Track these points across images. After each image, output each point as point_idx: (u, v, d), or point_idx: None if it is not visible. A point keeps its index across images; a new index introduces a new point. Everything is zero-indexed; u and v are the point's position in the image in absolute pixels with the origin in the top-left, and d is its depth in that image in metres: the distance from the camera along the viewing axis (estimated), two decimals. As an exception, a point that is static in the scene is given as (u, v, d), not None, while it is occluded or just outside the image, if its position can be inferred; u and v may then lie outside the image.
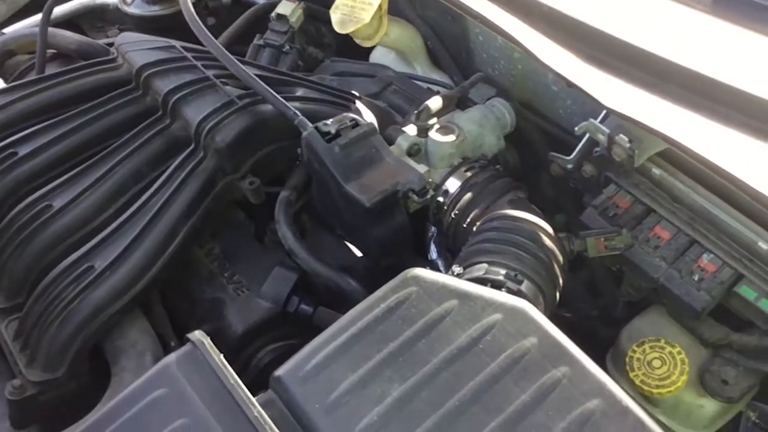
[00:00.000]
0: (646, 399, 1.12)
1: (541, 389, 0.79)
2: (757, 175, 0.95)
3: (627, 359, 1.09)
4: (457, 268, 1.03)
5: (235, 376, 0.83)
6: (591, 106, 1.18)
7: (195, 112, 1.27)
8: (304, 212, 1.38)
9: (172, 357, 0.88)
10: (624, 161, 1.12)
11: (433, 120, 1.26)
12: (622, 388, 0.83)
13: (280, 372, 0.85)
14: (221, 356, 0.86)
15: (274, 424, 0.79)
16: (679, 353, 1.08)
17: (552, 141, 1.37)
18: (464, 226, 1.19)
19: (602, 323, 1.32)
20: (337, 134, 1.17)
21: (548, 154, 1.27)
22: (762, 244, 1.03)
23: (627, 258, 1.14)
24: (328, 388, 0.82)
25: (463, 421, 0.78)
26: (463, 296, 0.88)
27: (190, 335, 0.89)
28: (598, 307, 1.34)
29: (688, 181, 1.11)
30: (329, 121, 1.19)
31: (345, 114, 1.22)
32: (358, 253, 1.32)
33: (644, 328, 1.15)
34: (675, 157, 1.13)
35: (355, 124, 1.19)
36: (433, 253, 1.37)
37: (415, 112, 1.25)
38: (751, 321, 1.08)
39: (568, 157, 1.25)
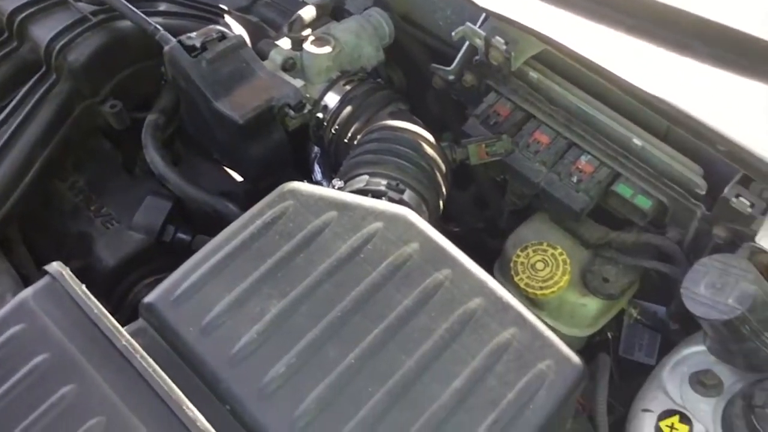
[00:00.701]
0: (532, 303, 1.14)
1: (424, 293, 0.78)
2: (630, 70, 0.95)
3: (512, 264, 1.10)
4: (337, 182, 0.99)
5: (100, 306, 0.77)
6: (470, 14, 1.16)
7: (44, 32, 1.15)
8: (176, 139, 1.30)
9: (28, 291, 0.80)
10: (501, 65, 1.10)
11: (308, 31, 1.20)
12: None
13: (149, 298, 0.79)
14: (83, 286, 0.79)
15: (146, 352, 0.74)
16: (560, 254, 1.09)
17: (433, 55, 1.34)
18: (345, 141, 1.14)
19: (489, 235, 1.33)
20: (203, 48, 1.09)
21: (430, 67, 1.24)
22: (636, 141, 1.04)
23: (509, 165, 1.13)
24: (203, 310, 0.77)
25: (345, 331, 0.76)
26: (343, 207, 0.85)
27: (47, 267, 0.81)
28: (485, 220, 1.35)
29: (564, 83, 1.11)
30: (193, 34, 1.11)
31: (211, 26, 1.14)
32: (238, 178, 1.26)
33: (528, 235, 1.16)
34: (551, 59, 1.12)
35: (222, 37, 1.11)
36: (318, 174, 1.33)
37: (288, 23, 1.18)
38: (629, 219, 1.10)
39: (448, 68, 1.22)
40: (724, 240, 0.95)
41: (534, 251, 1.11)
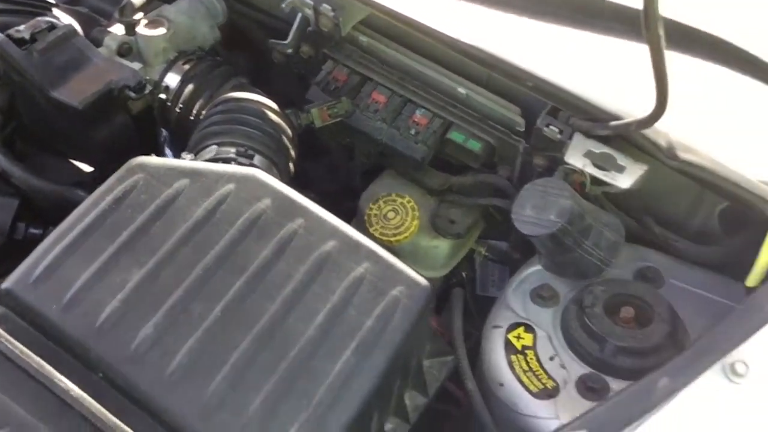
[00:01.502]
0: (389, 251, 1.21)
1: (280, 243, 0.83)
2: (448, 24, 1.04)
3: (366, 217, 1.17)
4: (187, 155, 1.02)
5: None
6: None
7: None
8: (17, 137, 1.27)
9: None
10: (332, 31, 1.17)
11: (140, 15, 1.21)
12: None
13: (6, 284, 0.79)
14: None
15: (11, 336, 0.75)
16: (408, 202, 1.18)
17: (271, 32, 1.38)
18: (191, 119, 1.17)
19: (345, 197, 1.39)
20: (33, 39, 1.08)
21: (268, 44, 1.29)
22: (461, 89, 1.14)
23: (353, 127, 1.20)
24: (63, 287, 0.78)
25: (208, 287, 0.79)
26: (194, 174, 0.88)
27: None
28: (340, 183, 1.41)
29: (391, 44, 1.19)
30: (21, 27, 1.09)
31: (39, 18, 1.12)
32: (87, 169, 1.25)
33: (380, 191, 1.24)
34: (377, 22, 1.19)
35: (52, 27, 1.10)
36: (169, 157, 1.34)
37: (118, 8, 1.19)
38: (465, 163, 1.20)
39: (285, 42, 1.27)
40: (543, 167, 1.06)
41: (385, 202, 1.19)
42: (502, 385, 0.97)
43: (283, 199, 0.87)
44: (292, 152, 1.11)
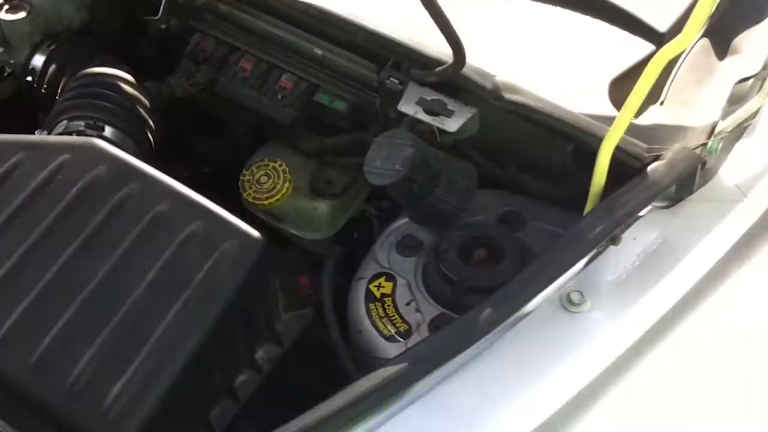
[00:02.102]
0: (274, 217, 1.24)
1: (114, 206, 0.85)
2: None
3: (240, 184, 1.19)
4: (40, 133, 1.03)
5: None
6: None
7: None
8: None
9: None
10: (188, 2, 1.18)
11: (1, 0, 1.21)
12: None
13: None
14: None
15: None
16: (280, 165, 1.20)
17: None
18: (57, 98, 1.18)
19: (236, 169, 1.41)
20: None
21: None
22: (317, 50, 1.16)
23: (223, 96, 1.22)
24: None
25: (40, 255, 0.81)
26: (29, 147, 0.89)
27: None
28: (231, 157, 1.43)
29: (250, 10, 1.21)
30: None
31: None
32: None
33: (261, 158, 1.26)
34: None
35: None
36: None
37: (-23, -6, 1.19)
38: (336, 124, 1.23)
39: (156, 17, 1.28)
40: (397, 120, 1.09)
41: (257, 168, 1.21)
42: (360, 332, 1.00)
43: (120, 165, 0.89)
44: (151, 123, 1.12)
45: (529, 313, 0.88)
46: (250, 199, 1.18)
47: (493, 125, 1.08)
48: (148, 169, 0.89)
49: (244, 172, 1.20)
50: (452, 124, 0.99)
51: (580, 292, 0.89)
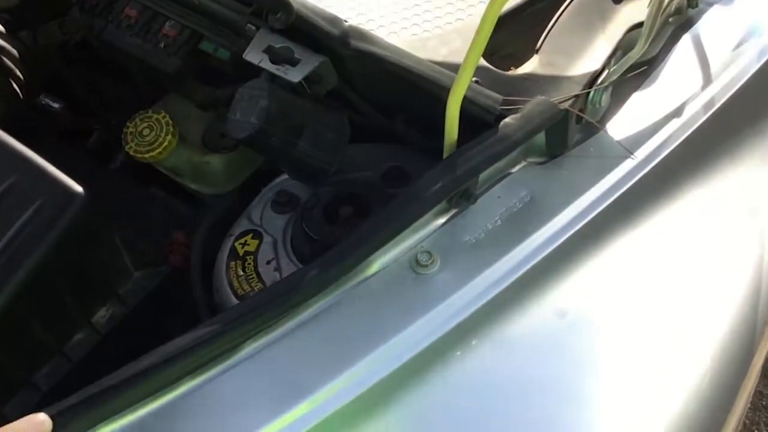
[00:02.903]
0: (173, 172, 1.20)
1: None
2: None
3: (122, 136, 1.15)
4: None
5: None
6: None
7: None
8: None
9: None
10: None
11: None
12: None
13: None
14: None
15: None
16: (164, 117, 1.15)
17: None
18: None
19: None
20: None
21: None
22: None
23: (109, 44, 1.17)
24: None
25: None
26: None
27: None
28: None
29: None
30: None
31: None
32: None
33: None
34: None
35: None
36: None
37: None
38: (227, 74, 1.17)
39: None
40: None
41: (141, 120, 1.16)
42: (217, 290, 0.97)
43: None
44: (18, 74, 1.08)
45: (374, 275, 0.84)
46: (131, 152, 1.13)
47: (379, 76, 1.02)
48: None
49: (128, 124, 1.16)
50: (296, 74, 0.93)
51: (428, 252, 0.85)
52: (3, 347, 0.77)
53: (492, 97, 0.85)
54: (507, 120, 0.83)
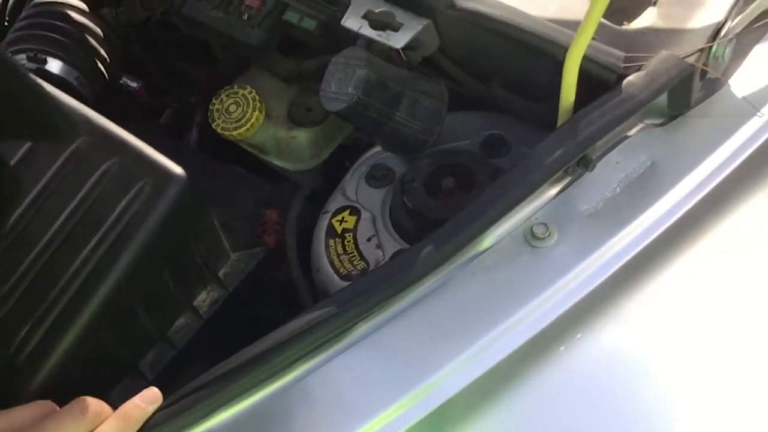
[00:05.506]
0: (257, 149, 1.17)
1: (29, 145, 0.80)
2: None
3: (209, 114, 1.12)
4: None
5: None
6: None
7: None
8: None
9: None
10: None
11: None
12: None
13: None
14: None
15: None
16: (249, 93, 1.12)
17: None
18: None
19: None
20: None
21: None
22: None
23: (190, 18, 1.14)
24: None
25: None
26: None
27: None
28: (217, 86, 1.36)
29: None
30: None
31: None
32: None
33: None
34: None
35: None
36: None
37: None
38: (312, 45, 1.13)
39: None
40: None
41: (227, 96, 1.13)
42: (318, 270, 0.93)
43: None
44: (103, 53, 1.06)
45: (487, 249, 0.79)
46: (219, 130, 1.11)
47: (474, 39, 0.96)
48: (65, 99, 0.82)
49: (213, 101, 1.13)
50: (399, 39, 0.87)
51: (545, 224, 0.79)
52: (109, 333, 0.75)
53: (614, 54, 0.79)
54: (630, 78, 0.77)
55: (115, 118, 0.81)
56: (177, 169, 0.78)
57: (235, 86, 1.13)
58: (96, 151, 0.79)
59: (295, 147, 1.17)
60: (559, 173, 0.80)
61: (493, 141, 0.99)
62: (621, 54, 0.79)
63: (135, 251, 0.74)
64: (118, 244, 0.74)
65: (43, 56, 0.96)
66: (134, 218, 0.75)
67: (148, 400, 0.66)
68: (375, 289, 0.71)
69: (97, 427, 0.62)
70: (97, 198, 0.76)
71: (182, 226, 0.79)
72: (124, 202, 0.75)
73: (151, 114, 1.41)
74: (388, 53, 0.93)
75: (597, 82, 0.78)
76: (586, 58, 0.74)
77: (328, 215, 0.97)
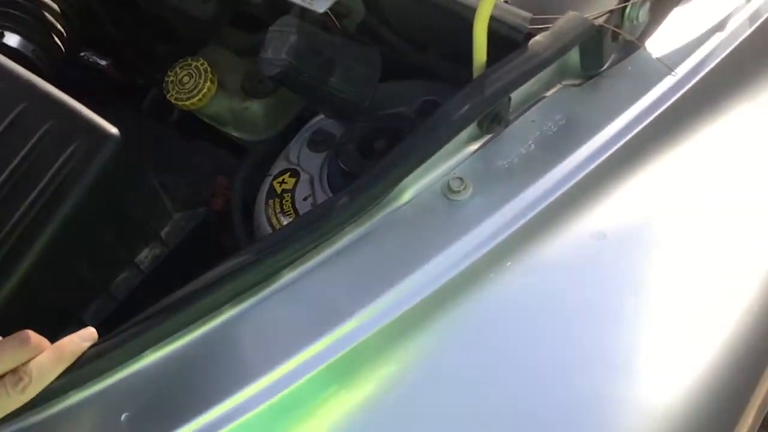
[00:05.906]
0: (215, 120, 1.22)
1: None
2: None
3: (164, 86, 1.17)
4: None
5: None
6: None
7: None
8: None
9: None
10: None
11: None
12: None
13: None
14: None
15: None
16: (202, 64, 1.16)
17: None
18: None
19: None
20: None
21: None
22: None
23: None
24: None
25: None
26: None
27: None
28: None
29: None
30: None
31: None
32: None
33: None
34: None
35: None
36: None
37: None
38: (263, 18, 1.17)
39: None
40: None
41: (181, 68, 1.18)
42: (258, 227, 0.98)
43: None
44: (60, 28, 1.10)
45: (407, 203, 0.84)
46: (173, 101, 1.16)
47: (410, 6, 1.00)
48: (14, 67, 0.87)
49: (168, 73, 1.18)
50: (321, 4, 0.92)
51: (461, 178, 0.84)
52: (50, 282, 0.81)
53: (520, 15, 0.83)
54: (537, 38, 0.81)
55: (85, 94, 0.86)
56: (112, 129, 0.83)
57: (189, 59, 1.18)
58: (37, 114, 0.84)
59: (249, 117, 1.22)
60: (476, 131, 0.85)
61: (428, 106, 1.03)
62: (528, 15, 0.83)
63: (70, 205, 0.79)
64: (53, 200, 0.79)
65: (1, 30, 1.01)
66: (70, 175, 0.80)
67: (84, 337, 0.71)
68: (292, 237, 0.76)
69: (34, 357, 0.68)
70: (36, 158, 0.81)
71: (118, 185, 0.84)
72: (60, 161, 0.80)
73: (133, 95, 1.46)
74: (324, 21, 0.97)
75: (506, 43, 0.83)
76: (494, 19, 0.78)
77: (270, 177, 1.02)
